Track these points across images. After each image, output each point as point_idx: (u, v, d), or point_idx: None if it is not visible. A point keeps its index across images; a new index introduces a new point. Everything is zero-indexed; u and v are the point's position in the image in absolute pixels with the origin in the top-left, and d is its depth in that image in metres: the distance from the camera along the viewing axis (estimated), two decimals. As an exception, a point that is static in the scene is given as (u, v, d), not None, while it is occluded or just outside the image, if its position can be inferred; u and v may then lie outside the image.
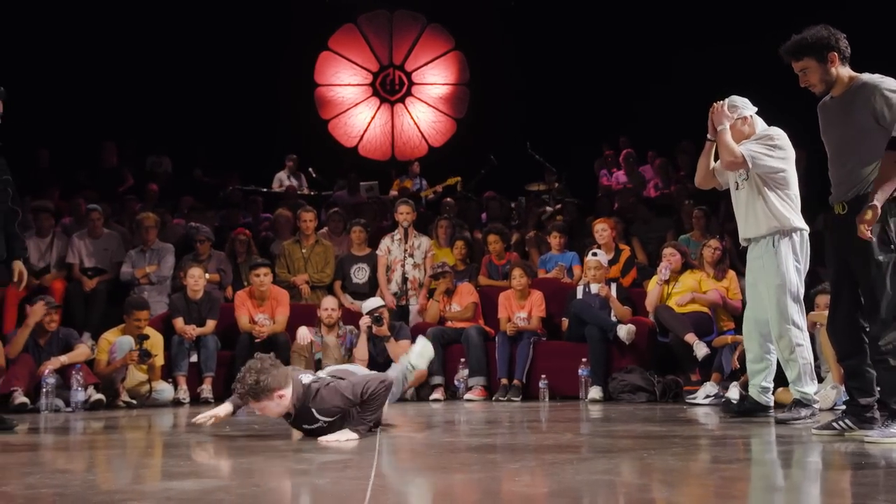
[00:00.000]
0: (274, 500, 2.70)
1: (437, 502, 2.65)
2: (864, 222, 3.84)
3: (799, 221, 4.99)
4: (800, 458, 3.75)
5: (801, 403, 4.95)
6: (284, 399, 4.08)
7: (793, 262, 4.95)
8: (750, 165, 4.88)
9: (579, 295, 7.61)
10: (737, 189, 5.15)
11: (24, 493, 2.87)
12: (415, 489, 2.90)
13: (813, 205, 5.79)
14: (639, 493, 2.75)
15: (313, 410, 4.14)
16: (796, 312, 4.95)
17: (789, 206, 4.97)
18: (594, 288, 7.42)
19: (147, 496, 2.76)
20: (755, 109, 5.16)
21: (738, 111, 5.08)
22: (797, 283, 4.96)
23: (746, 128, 5.10)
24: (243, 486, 2.92)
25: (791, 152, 5.05)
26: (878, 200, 3.85)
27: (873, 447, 3.81)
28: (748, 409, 5.27)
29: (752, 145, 4.95)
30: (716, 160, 5.23)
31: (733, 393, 6.20)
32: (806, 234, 5.02)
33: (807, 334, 5.05)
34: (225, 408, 4.46)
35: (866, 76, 4.12)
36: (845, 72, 4.16)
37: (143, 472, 3.58)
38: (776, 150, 4.95)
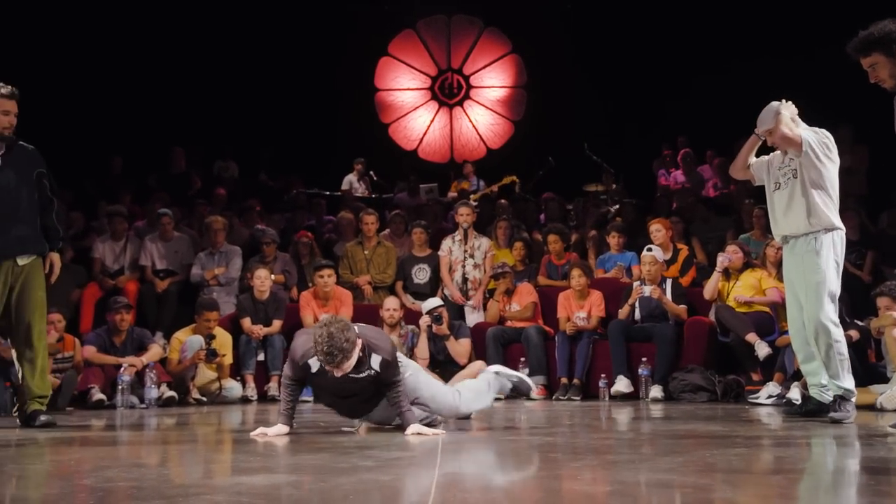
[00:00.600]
0: (340, 496, 2.72)
1: (500, 500, 2.65)
2: None
3: (838, 221, 4.95)
4: (854, 457, 3.65)
5: (843, 399, 4.88)
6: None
7: (833, 259, 4.90)
8: (804, 149, 4.86)
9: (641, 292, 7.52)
10: (777, 189, 5.10)
11: (102, 485, 2.94)
12: (478, 486, 2.90)
13: (877, 202, 5.68)
14: (701, 494, 2.71)
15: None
16: (833, 310, 4.89)
17: (830, 206, 4.93)
18: (647, 290, 7.33)
19: (218, 490, 2.81)
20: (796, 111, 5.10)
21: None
22: (836, 280, 4.90)
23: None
24: (311, 482, 2.96)
25: (837, 155, 5.01)
26: None
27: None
28: (811, 410, 5.17)
29: (810, 135, 4.90)
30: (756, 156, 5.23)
31: (794, 393, 6.08)
32: (843, 234, 4.98)
33: (841, 330, 4.95)
34: (278, 429, 4.44)
35: None
36: None
37: (215, 466, 3.64)
38: (828, 151, 4.93)
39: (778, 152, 5.19)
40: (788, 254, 5.11)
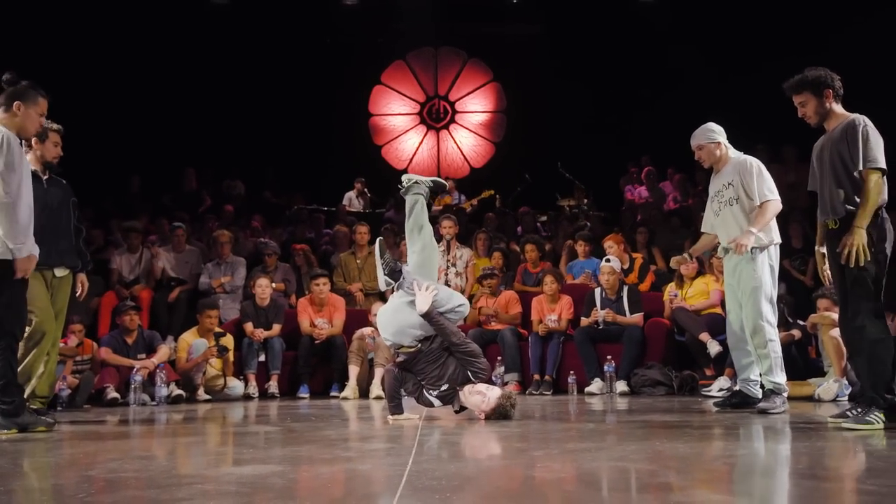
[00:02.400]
0: (319, 484, 2.72)
1: (466, 486, 2.65)
2: (847, 245, 4.00)
3: (776, 237, 5.05)
4: (793, 445, 3.66)
5: (774, 392, 4.95)
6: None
7: (768, 268, 5.00)
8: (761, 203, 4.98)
9: (596, 298, 7.52)
10: (720, 210, 5.20)
11: (106, 476, 2.93)
12: (448, 473, 2.90)
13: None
14: (648, 478, 2.72)
15: None
16: (769, 312, 4.98)
17: (767, 227, 5.01)
18: (601, 315, 7.32)
19: (210, 480, 2.80)
20: (724, 138, 5.23)
21: (714, 136, 5.19)
22: (771, 286, 4.99)
23: (718, 152, 5.20)
24: (294, 472, 2.95)
25: (769, 177, 5.10)
26: (861, 224, 4.01)
27: (850, 433, 3.80)
28: (738, 402, 5.24)
29: (762, 185, 4.99)
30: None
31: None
32: (777, 245, 5.07)
33: (776, 331, 5.03)
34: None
35: (855, 115, 4.21)
36: (839, 109, 4.29)
37: (213, 458, 3.62)
38: (770, 182, 5.05)
39: (714, 177, 5.30)
40: (728, 263, 5.20)
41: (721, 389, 6.42)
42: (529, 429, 4.44)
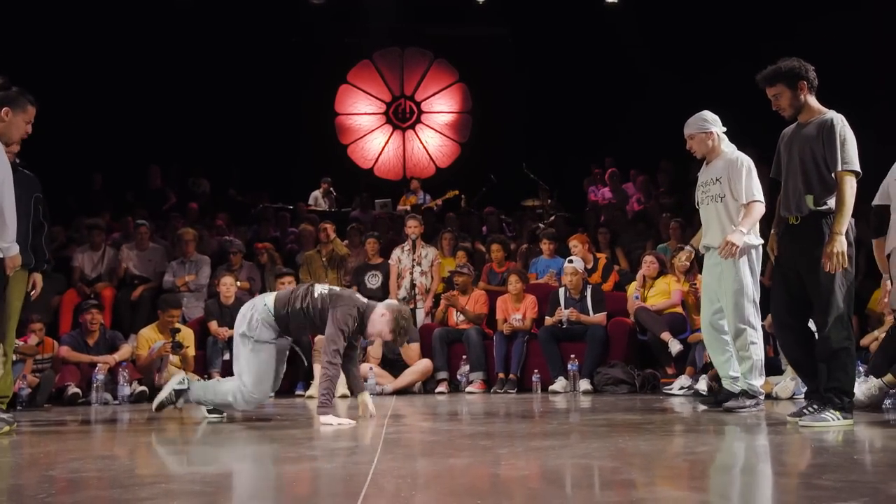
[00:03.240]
0: (282, 484, 2.69)
1: (430, 484, 2.65)
2: (829, 255, 3.96)
3: (756, 239, 4.94)
4: (751, 442, 3.72)
5: (747, 394, 4.94)
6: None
7: (748, 269, 4.92)
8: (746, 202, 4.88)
9: (560, 297, 7.56)
10: (705, 203, 5.10)
11: (67, 476, 2.88)
12: (412, 472, 2.89)
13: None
14: (611, 475, 2.74)
15: None
16: (752, 314, 4.92)
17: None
18: (565, 315, 7.34)
19: (174, 479, 2.76)
20: (723, 129, 5.10)
21: (707, 125, 5.05)
22: (753, 287, 4.93)
23: (710, 142, 5.05)
24: (258, 470, 2.92)
25: (756, 176, 4.99)
26: (839, 230, 3.97)
27: (806, 430, 3.85)
28: (723, 399, 5.19)
29: (750, 185, 4.88)
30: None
31: (702, 384, 6.18)
32: (761, 248, 4.94)
33: (760, 333, 5.00)
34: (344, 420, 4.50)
35: (831, 113, 4.16)
36: (813, 101, 4.22)
37: (175, 458, 3.58)
38: (757, 183, 4.94)
39: (704, 167, 5.16)
40: (708, 261, 5.09)
41: (682, 387, 6.49)
42: (494, 427, 4.46)
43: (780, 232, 4.35)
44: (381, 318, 4.64)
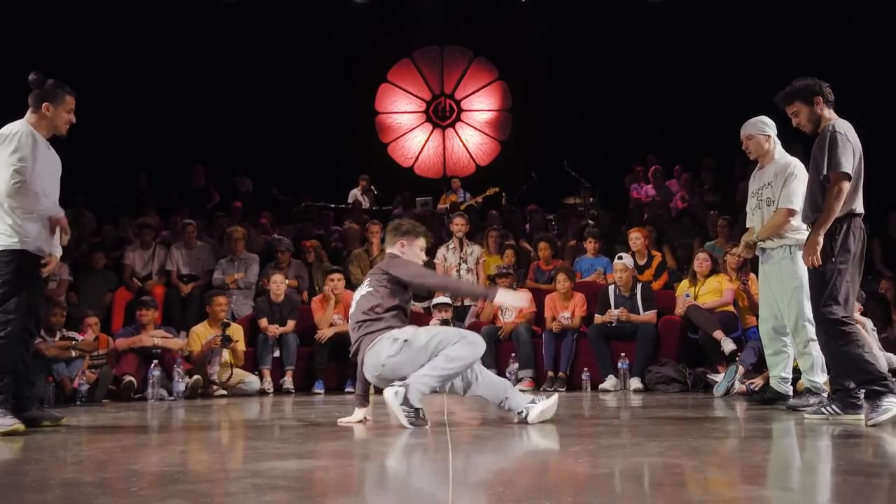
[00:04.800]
0: (367, 479, 2.72)
1: (516, 481, 2.66)
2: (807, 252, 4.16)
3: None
4: (809, 440, 3.68)
5: (811, 392, 4.97)
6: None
7: (805, 266, 4.91)
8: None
9: (610, 295, 7.53)
10: (758, 208, 5.21)
11: (151, 470, 2.93)
12: (493, 469, 2.90)
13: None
14: (694, 474, 2.73)
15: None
16: (811, 311, 4.85)
17: (800, 226, 4.96)
18: (615, 314, 7.30)
19: (258, 474, 2.80)
20: (775, 133, 5.20)
21: (766, 129, 5.16)
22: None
23: (767, 145, 5.17)
24: (338, 466, 2.95)
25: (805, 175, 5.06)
26: (818, 231, 4.13)
27: (875, 429, 3.83)
28: (769, 398, 5.28)
29: (787, 191, 5.00)
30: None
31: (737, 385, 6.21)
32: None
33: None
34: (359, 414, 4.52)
35: (833, 121, 4.26)
36: (830, 114, 4.34)
37: (251, 453, 3.62)
38: (803, 185, 4.95)
39: (757, 171, 5.28)
40: (766, 261, 5.16)
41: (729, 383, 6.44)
42: (557, 425, 4.45)
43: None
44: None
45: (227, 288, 8.44)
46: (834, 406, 4.26)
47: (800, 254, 4.90)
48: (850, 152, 4.12)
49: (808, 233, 4.82)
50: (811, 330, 4.87)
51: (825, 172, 4.11)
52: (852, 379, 4.18)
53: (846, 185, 4.08)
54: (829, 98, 4.33)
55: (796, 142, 9.61)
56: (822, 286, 4.14)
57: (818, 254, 4.10)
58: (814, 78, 4.38)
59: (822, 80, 4.36)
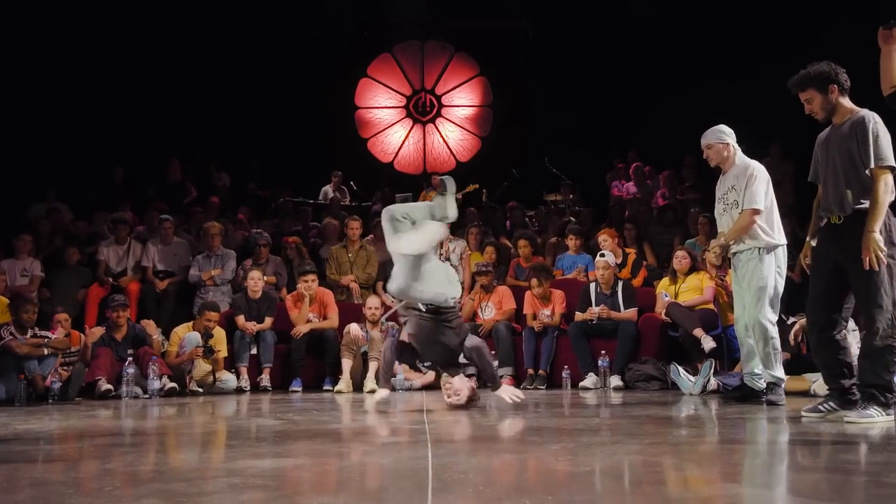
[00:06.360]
0: (346, 478, 2.71)
1: (495, 480, 2.65)
2: (864, 253, 3.99)
3: (780, 238, 5.21)
4: (794, 437, 3.71)
5: (775, 385, 5.18)
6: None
7: (774, 269, 5.17)
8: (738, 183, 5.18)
9: (591, 293, 7.55)
10: (725, 212, 5.36)
11: (125, 469, 2.90)
12: (472, 467, 2.90)
13: (804, 210, 5.88)
14: (674, 472, 2.74)
15: None
16: (770, 311, 5.15)
17: (770, 229, 5.18)
18: (596, 311, 7.33)
19: (234, 473, 2.78)
20: (734, 140, 5.37)
21: (724, 137, 5.34)
22: (775, 286, 5.16)
23: (725, 153, 5.35)
24: (315, 464, 2.94)
25: (770, 185, 5.26)
26: (873, 228, 4.00)
27: (852, 427, 3.88)
28: (744, 395, 5.42)
29: (751, 193, 5.13)
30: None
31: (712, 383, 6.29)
32: (784, 248, 5.24)
33: (776, 328, 5.19)
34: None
35: (864, 111, 4.20)
36: (846, 102, 4.26)
37: (227, 452, 3.60)
38: (764, 185, 5.18)
39: (721, 177, 5.43)
40: (737, 262, 5.32)
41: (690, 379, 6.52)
42: (537, 423, 4.46)
43: (819, 234, 4.39)
44: None
45: (203, 284, 8.39)
46: (831, 403, 4.29)
47: (767, 257, 5.10)
48: (890, 142, 4.09)
49: (772, 237, 5.00)
50: (770, 329, 5.12)
51: (871, 165, 4.04)
52: (865, 378, 4.12)
53: (891, 178, 4.06)
54: (845, 86, 4.24)
55: (776, 141, 9.64)
56: (880, 285, 4.01)
57: (877, 251, 3.97)
58: (829, 63, 4.26)
59: (838, 66, 4.25)
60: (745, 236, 5.16)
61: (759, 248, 5.13)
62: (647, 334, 7.33)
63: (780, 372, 5.19)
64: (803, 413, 4.36)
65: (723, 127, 5.37)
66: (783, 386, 5.20)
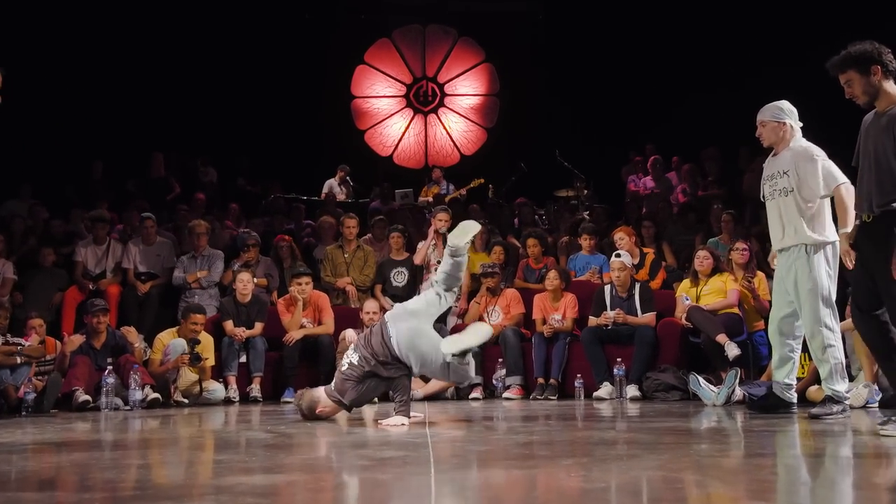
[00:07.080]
0: (344, 496, 2.71)
1: (504, 496, 2.65)
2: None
3: (832, 234, 4.99)
4: (833, 451, 3.71)
5: (832, 400, 4.96)
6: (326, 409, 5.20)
7: (825, 268, 4.98)
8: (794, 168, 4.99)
9: (606, 296, 7.55)
10: (771, 197, 5.18)
11: (105, 486, 2.90)
12: (479, 483, 2.90)
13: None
14: (695, 489, 2.74)
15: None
16: (828, 315, 4.97)
17: (822, 221, 5.01)
18: (611, 315, 7.34)
19: (223, 490, 2.78)
20: (799, 124, 5.16)
21: (782, 115, 5.13)
22: (829, 288, 4.98)
23: (781, 132, 5.14)
24: (312, 482, 2.94)
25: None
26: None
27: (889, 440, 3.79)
28: (771, 405, 5.32)
29: (828, 173, 4.92)
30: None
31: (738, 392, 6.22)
32: (837, 245, 4.94)
33: (838, 335, 5.04)
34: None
35: None
36: (891, 87, 4.17)
37: (211, 468, 3.60)
38: (834, 168, 4.96)
39: (770, 158, 5.25)
40: (781, 259, 5.18)
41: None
42: (549, 436, 4.46)
43: (855, 234, 4.37)
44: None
45: (188, 286, 8.40)
46: None
47: (815, 256, 4.96)
48: None
49: (824, 231, 4.91)
50: (828, 335, 4.94)
51: None
52: None
53: None
54: (890, 67, 4.16)
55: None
56: None
57: None
58: (873, 42, 4.18)
59: (882, 46, 4.18)
60: (791, 230, 5.01)
61: (806, 246, 4.97)
62: (667, 340, 7.31)
63: (839, 386, 4.94)
64: (881, 431, 4.01)
65: (783, 104, 5.16)
66: (845, 403, 4.94)
